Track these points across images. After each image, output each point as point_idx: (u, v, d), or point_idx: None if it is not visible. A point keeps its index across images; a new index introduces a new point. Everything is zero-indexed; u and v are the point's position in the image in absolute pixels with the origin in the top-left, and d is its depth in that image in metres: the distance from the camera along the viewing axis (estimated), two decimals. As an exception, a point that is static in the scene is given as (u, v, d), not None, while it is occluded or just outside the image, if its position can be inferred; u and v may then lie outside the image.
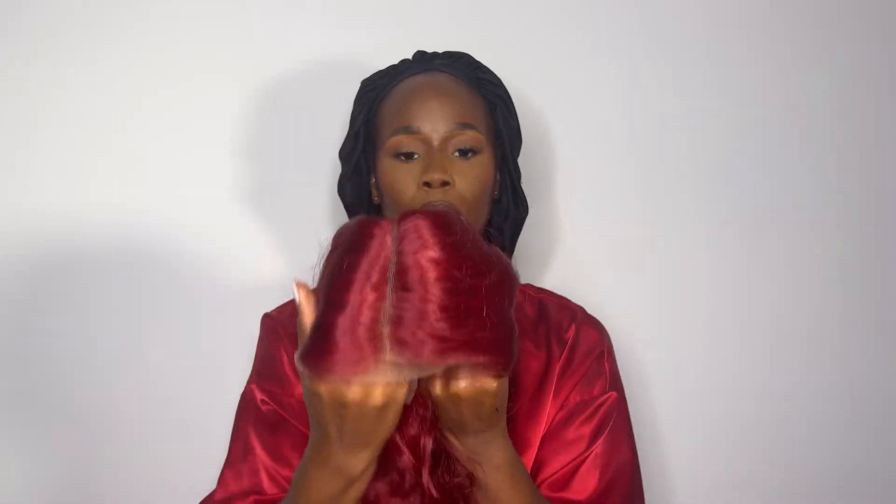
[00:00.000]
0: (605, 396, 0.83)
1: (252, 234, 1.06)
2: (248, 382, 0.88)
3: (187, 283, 1.05)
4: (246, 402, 0.86)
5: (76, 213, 1.03)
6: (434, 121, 0.79)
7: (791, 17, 1.08)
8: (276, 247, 1.06)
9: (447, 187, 0.78)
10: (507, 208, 0.88)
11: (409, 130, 0.79)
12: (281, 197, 1.06)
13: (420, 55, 0.88)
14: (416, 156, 0.80)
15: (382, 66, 0.88)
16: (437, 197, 0.77)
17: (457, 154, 0.80)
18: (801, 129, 1.09)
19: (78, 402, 1.05)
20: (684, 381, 1.09)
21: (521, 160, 0.89)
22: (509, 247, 0.91)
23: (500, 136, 0.85)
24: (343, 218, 1.01)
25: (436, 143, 0.79)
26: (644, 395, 1.07)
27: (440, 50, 0.89)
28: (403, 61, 0.88)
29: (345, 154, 0.88)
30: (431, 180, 0.77)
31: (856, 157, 1.09)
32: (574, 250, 1.09)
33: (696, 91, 1.08)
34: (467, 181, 0.79)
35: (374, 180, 0.86)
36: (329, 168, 1.04)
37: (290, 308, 0.91)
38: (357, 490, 0.63)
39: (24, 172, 1.03)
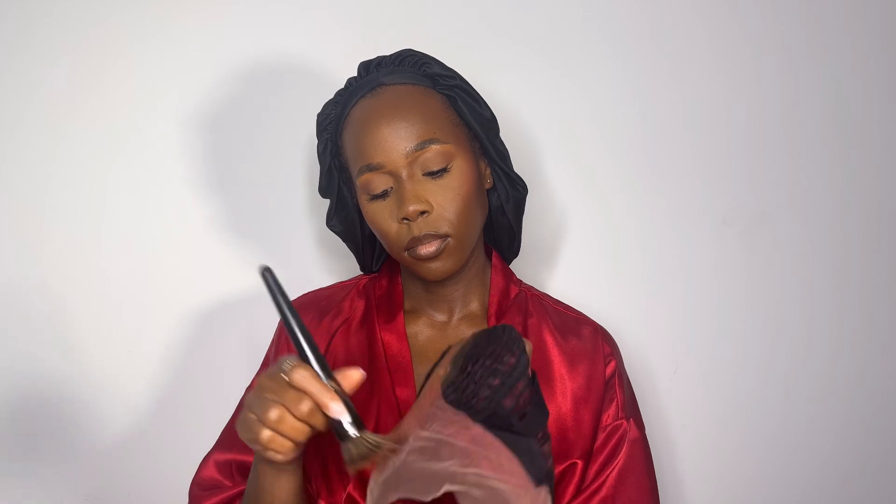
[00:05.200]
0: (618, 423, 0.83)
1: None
2: (256, 377, 0.88)
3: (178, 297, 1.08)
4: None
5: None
6: (391, 150, 0.76)
7: (790, 15, 1.08)
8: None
9: (426, 215, 0.76)
10: (505, 191, 0.87)
11: (371, 168, 0.77)
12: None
13: (364, 67, 0.82)
14: (388, 191, 0.78)
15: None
16: (419, 228, 0.76)
17: (427, 176, 0.77)
18: (800, 128, 1.09)
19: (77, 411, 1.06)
20: (684, 380, 1.10)
21: (518, 157, 0.88)
22: (516, 227, 0.90)
23: (470, 127, 0.81)
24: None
25: (402, 171, 0.76)
26: (645, 393, 1.08)
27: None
28: (349, 81, 0.83)
29: (323, 191, 0.86)
30: (408, 214, 0.76)
31: (856, 156, 1.09)
32: (574, 251, 1.09)
33: (696, 90, 1.08)
34: (445, 200, 0.77)
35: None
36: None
37: (306, 298, 0.92)
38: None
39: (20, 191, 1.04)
